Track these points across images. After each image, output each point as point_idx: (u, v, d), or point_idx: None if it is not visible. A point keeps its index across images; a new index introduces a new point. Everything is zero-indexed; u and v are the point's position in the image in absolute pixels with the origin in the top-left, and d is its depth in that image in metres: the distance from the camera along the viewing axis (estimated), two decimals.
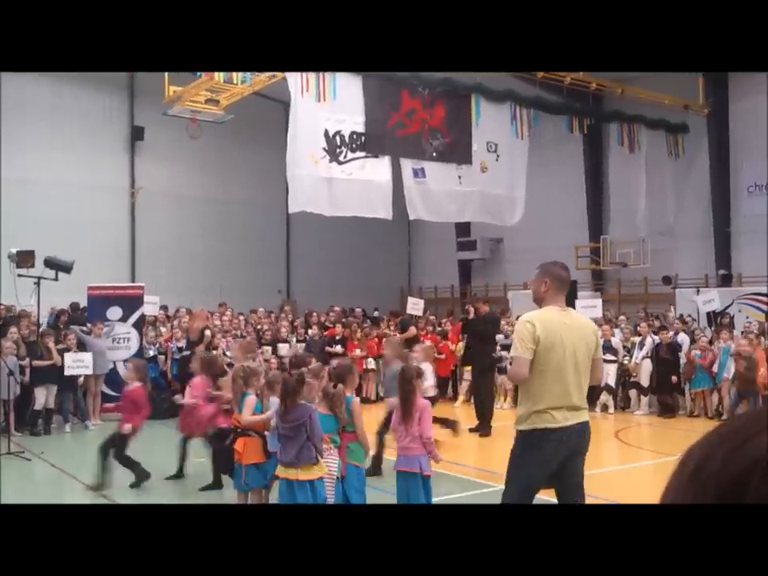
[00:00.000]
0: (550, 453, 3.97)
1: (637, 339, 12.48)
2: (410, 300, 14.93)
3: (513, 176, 14.12)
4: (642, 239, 16.99)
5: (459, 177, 13.38)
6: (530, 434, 3.99)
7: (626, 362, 12.37)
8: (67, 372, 10.33)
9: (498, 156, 13.94)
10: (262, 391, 6.20)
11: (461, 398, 13.25)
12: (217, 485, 6.90)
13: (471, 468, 8.10)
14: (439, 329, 14.79)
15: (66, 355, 10.42)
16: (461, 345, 12.95)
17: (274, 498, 6.32)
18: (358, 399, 5.70)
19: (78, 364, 10.51)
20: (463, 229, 21.24)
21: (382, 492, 6.00)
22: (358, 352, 13.53)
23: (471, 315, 11.23)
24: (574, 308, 17.24)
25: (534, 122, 14.21)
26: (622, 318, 14.20)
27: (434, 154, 13.06)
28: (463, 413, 12.12)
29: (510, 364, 4.50)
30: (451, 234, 21.77)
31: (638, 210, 16.28)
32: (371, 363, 13.71)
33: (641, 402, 12.20)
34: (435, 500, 6.18)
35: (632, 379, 12.36)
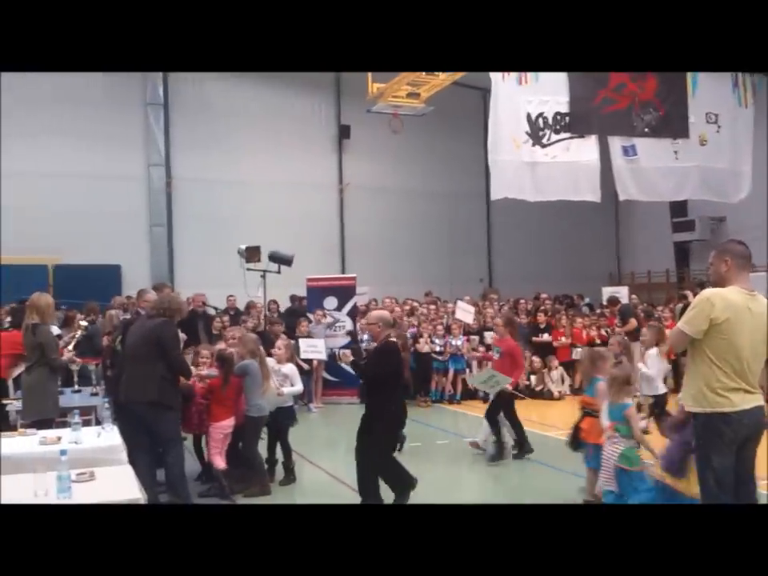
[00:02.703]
0: (731, 436, 3.82)
1: None
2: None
3: (737, 148, 12.88)
4: None
5: (675, 152, 12.46)
6: (710, 418, 3.85)
7: None
8: (303, 356, 10.98)
9: (719, 127, 12.79)
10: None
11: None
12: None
13: None
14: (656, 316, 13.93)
15: (301, 341, 11.11)
16: None
17: None
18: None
19: (312, 349, 11.23)
20: (679, 208, 19.79)
21: None
22: (563, 340, 13.12)
23: (691, 299, 10.48)
24: None
25: (758, 86, 12.87)
26: None
27: (646, 129, 12.27)
28: None
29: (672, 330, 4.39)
30: (665, 215, 20.39)
31: None
32: (578, 353, 13.11)
33: None
34: None
35: None
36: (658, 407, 7.50)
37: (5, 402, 7.09)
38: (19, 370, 7.15)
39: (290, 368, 7.22)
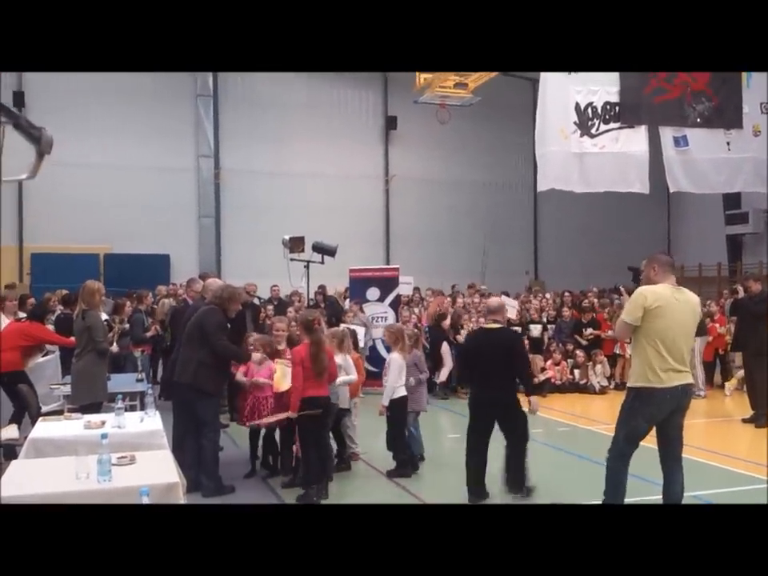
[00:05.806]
0: (656, 408, 4.70)
1: None
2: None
3: None
4: None
5: (728, 143, 12.12)
6: (640, 391, 4.72)
7: None
8: None
9: None
10: None
11: (728, 384, 12.10)
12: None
13: (742, 460, 7.40)
14: (704, 309, 13.60)
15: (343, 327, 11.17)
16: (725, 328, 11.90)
17: None
18: None
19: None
20: (733, 200, 19.28)
21: None
22: (610, 333, 12.90)
23: (741, 294, 10.22)
24: None
25: None
26: None
27: (698, 120, 11.96)
28: (736, 401, 11.10)
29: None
30: (717, 207, 19.89)
31: None
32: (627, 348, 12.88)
33: None
34: (701, 493, 5.74)
35: None
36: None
37: (52, 386, 7.34)
38: (35, 360, 7.40)
39: (341, 358, 6.96)
